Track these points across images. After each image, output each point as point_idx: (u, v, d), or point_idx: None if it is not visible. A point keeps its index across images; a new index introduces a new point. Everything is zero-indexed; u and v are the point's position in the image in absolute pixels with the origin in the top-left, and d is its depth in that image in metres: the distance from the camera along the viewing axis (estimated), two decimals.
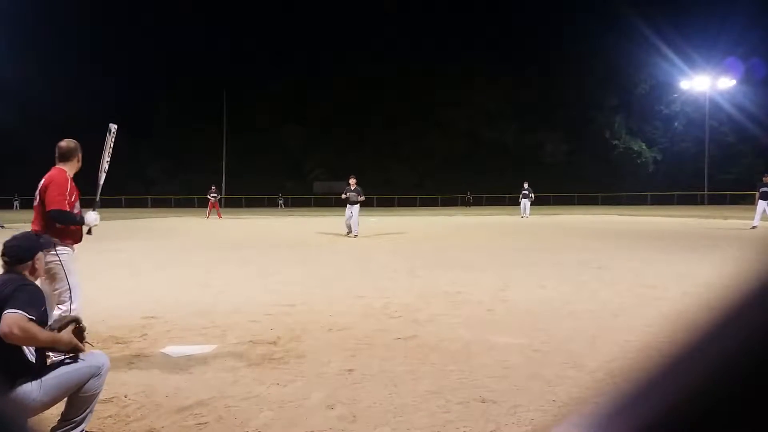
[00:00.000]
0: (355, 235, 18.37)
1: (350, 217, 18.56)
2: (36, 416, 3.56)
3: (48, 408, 3.23)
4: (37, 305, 3.14)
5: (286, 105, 72.19)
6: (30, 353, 3.14)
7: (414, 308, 7.04)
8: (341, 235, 18.88)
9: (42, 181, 4.86)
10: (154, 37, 70.17)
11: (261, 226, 26.92)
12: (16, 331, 2.93)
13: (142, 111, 69.56)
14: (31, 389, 3.01)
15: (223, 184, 63.82)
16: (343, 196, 18.94)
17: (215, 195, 34.70)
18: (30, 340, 3.03)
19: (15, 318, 2.96)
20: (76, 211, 4.90)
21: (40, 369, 3.14)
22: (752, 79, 58.49)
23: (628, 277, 9.42)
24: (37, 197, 4.82)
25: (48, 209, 4.71)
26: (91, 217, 5.13)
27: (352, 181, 18.68)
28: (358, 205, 18.54)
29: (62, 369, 3.18)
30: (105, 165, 5.53)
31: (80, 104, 62.19)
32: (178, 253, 13.83)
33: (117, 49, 69.01)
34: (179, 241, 17.99)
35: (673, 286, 8.42)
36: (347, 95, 72.37)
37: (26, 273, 3.36)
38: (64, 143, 5.03)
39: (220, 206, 36.60)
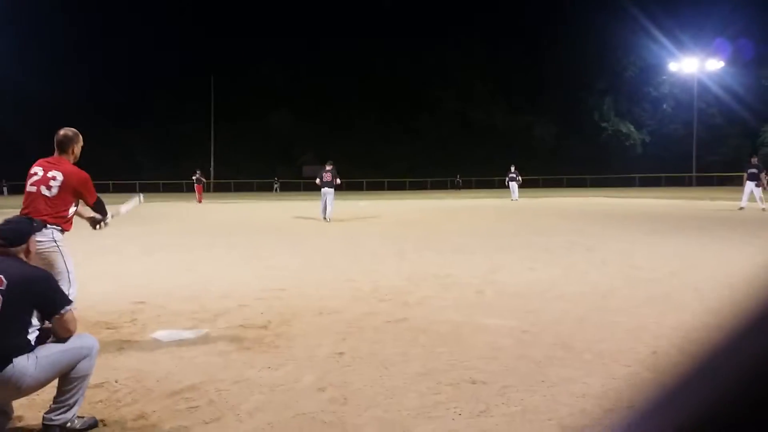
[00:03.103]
0: (328, 219, 18.32)
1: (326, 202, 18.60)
2: (27, 404, 3.56)
3: (41, 387, 3.26)
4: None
5: (275, 89, 71.70)
6: (32, 331, 3.21)
7: (404, 291, 7.06)
8: (328, 220, 18.74)
9: (60, 176, 4.80)
10: (142, 22, 69.32)
11: (250, 210, 26.84)
12: (76, 327, 3.36)
13: (130, 96, 68.94)
14: (26, 365, 3.07)
15: (212, 169, 63.46)
16: (318, 181, 18.77)
17: (198, 178, 34.64)
18: None
19: (73, 315, 3.34)
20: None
21: (35, 346, 3.20)
22: (740, 60, 58.75)
23: (616, 258, 9.49)
24: (52, 188, 4.77)
25: (92, 202, 5.09)
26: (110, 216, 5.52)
27: (329, 167, 18.61)
28: (332, 190, 18.52)
29: (54, 348, 3.23)
30: None
31: (68, 90, 61.56)
32: (166, 239, 13.77)
33: (103, 35, 68.21)
34: (168, 226, 17.91)
35: (661, 267, 8.49)
36: (336, 78, 72.00)
37: (21, 255, 3.40)
38: (62, 132, 4.95)
39: (207, 191, 36.50)
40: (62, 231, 4.85)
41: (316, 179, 19.11)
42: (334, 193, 18.59)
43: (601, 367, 4.20)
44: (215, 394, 3.82)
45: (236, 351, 4.77)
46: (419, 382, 3.98)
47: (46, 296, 3.24)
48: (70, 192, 4.88)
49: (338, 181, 18.63)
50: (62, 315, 3.23)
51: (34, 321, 3.21)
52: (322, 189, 18.50)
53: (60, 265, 4.72)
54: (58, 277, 4.51)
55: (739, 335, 0.42)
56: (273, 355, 4.63)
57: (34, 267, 3.47)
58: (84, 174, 4.98)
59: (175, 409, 3.62)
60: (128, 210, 6.11)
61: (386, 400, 3.68)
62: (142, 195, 5.84)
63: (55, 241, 4.71)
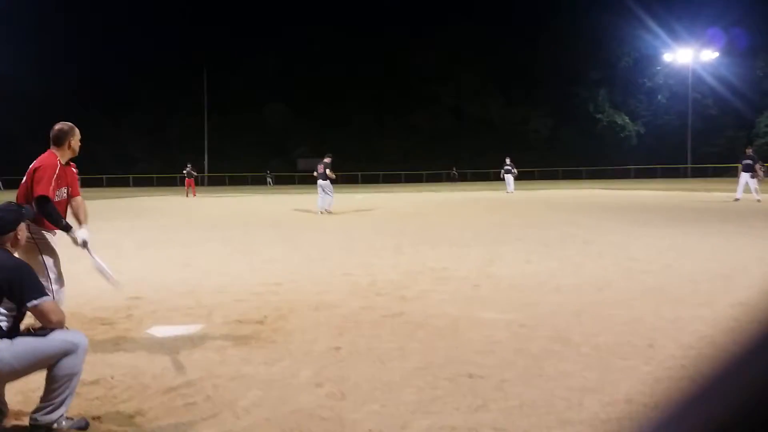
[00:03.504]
0: (321, 212, 18.71)
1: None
2: (23, 401, 3.54)
3: (19, 377, 3.19)
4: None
5: (270, 82, 71.43)
6: (4, 318, 3.14)
7: (400, 285, 7.05)
8: (327, 213, 18.84)
9: (33, 163, 4.78)
10: (136, 14, 68.97)
11: (245, 204, 26.79)
12: (60, 317, 3.27)
13: (123, 89, 68.67)
14: (1, 348, 3.01)
15: (206, 163, 63.32)
16: (315, 173, 19.34)
17: (188, 171, 34.73)
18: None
19: (55, 305, 3.29)
20: (57, 199, 4.78)
21: (11, 332, 3.14)
22: (734, 51, 58.78)
23: (612, 250, 9.50)
24: (25, 177, 4.75)
25: (35, 195, 4.59)
26: (82, 233, 4.92)
27: (326, 159, 19.04)
28: (326, 182, 18.82)
29: (35, 337, 3.18)
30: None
31: (61, 84, 61.27)
32: (161, 233, 13.73)
33: (97, 27, 67.83)
34: (162, 220, 17.86)
35: (657, 259, 8.51)
36: (331, 71, 71.75)
37: (8, 244, 3.33)
38: (57, 126, 4.93)
39: (201, 184, 36.59)
40: (43, 225, 4.72)
41: (314, 171, 19.46)
42: (331, 185, 18.76)
43: (598, 361, 4.20)
44: (212, 390, 3.81)
45: (233, 346, 4.75)
46: (417, 376, 3.97)
47: (11, 283, 3.14)
48: (30, 178, 4.70)
49: (328, 172, 18.77)
50: (36, 306, 3.14)
51: (2, 309, 3.14)
52: (317, 180, 18.80)
53: (36, 259, 4.58)
54: (37, 270, 4.40)
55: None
56: (270, 351, 4.62)
57: (10, 256, 3.35)
58: (45, 160, 4.73)
59: (171, 405, 3.60)
60: (100, 268, 5.11)
61: (384, 395, 3.67)
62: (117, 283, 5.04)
63: (31, 234, 4.59)
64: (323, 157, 19.26)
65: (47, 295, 3.29)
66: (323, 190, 18.79)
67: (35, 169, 4.69)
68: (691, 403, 0.42)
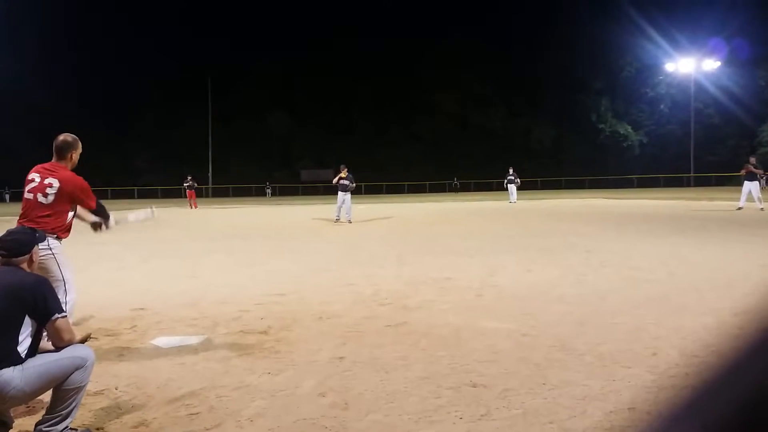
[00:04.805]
0: (337, 220, 18.84)
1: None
2: (28, 412, 3.56)
3: (29, 400, 3.22)
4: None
5: (273, 92, 71.72)
6: (23, 341, 3.15)
7: (403, 295, 7.06)
8: (329, 222, 18.91)
9: (56, 183, 4.78)
10: (139, 25, 69.46)
11: (248, 215, 26.83)
12: (72, 336, 3.32)
13: (128, 102, 69.01)
14: (11, 376, 3.00)
15: (210, 174, 63.43)
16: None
17: (189, 184, 34.85)
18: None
19: (68, 324, 3.31)
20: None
21: (24, 358, 3.14)
22: (736, 60, 58.92)
23: (615, 260, 9.49)
24: (48, 195, 4.76)
25: (93, 207, 5.09)
26: (113, 220, 5.42)
27: (344, 172, 19.09)
28: (342, 193, 18.92)
29: (45, 359, 3.18)
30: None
31: (66, 95, 61.60)
32: (165, 245, 13.76)
33: (101, 39, 68.27)
34: (166, 232, 17.89)
35: (660, 268, 8.49)
36: (334, 81, 72.02)
37: (24, 265, 3.38)
38: (61, 137, 4.96)
39: (205, 196, 36.67)
40: (58, 238, 4.84)
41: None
42: (341, 196, 18.84)
43: (602, 369, 4.20)
44: (216, 401, 3.82)
45: (236, 357, 4.76)
46: (420, 386, 3.98)
47: (36, 298, 3.17)
48: (67, 199, 4.86)
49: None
50: (53, 321, 3.18)
51: (25, 329, 3.15)
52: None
53: (55, 272, 4.70)
54: (53, 285, 4.48)
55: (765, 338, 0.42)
56: (273, 361, 4.62)
57: (28, 273, 3.40)
58: (81, 180, 4.96)
59: (175, 415, 3.61)
60: (137, 219, 6.05)
61: (387, 405, 3.67)
62: (154, 208, 5.79)
63: (50, 249, 4.69)
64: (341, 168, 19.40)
65: (64, 312, 3.33)
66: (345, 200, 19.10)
67: (72, 193, 4.91)
68: (689, 407, 0.42)
